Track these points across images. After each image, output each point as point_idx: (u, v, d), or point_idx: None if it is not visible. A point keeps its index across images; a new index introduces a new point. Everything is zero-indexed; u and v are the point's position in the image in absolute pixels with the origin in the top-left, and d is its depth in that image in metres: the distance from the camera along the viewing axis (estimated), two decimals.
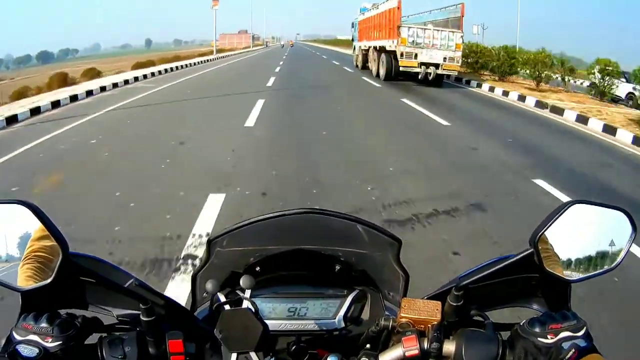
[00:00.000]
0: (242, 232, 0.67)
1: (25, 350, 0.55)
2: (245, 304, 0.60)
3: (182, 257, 2.93)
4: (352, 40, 21.58)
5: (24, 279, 0.58)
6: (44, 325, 0.58)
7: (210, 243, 0.68)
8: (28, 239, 0.59)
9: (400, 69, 13.19)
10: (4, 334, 0.59)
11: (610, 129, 8.13)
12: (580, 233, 0.64)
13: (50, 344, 0.57)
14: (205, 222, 3.43)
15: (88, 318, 0.63)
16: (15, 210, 0.57)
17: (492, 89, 13.12)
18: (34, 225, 0.57)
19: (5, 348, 0.57)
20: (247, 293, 0.60)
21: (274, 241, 0.74)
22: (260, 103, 9.16)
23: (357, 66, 19.65)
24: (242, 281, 0.60)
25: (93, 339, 0.63)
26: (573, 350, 0.57)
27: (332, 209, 0.68)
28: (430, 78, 12.97)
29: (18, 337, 0.57)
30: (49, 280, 0.56)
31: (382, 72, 14.47)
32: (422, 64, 12.85)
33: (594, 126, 8.62)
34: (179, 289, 2.53)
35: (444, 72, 13.37)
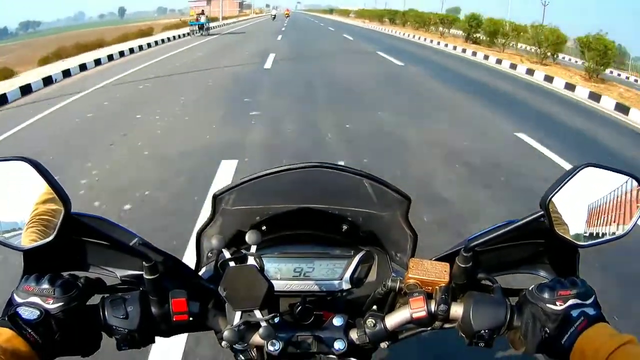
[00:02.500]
0: (247, 188, 0.65)
1: (26, 312, 0.55)
2: (251, 260, 0.59)
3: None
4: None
5: (28, 240, 0.57)
6: (45, 286, 0.57)
7: (216, 199, 0.67)
8: (33, 199, 0.57)
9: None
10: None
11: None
12: (591, 197, 0.63)
13: (51, 305, 0.56)
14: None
15: (90, 279, 0.63)
16: (17, 166, 0.56)
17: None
18: (38, 183, 0.56)
19: (5, 311, 0.56)
20: (253, 249, 0.59)
21: (281, 198, 0.73)
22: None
23: None
24: (248, 236, 0.59)
25: (95, 299, 0.63)
26: (582, 318, 0.57)
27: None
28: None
29: (19, 300, 0.57)
30: (50, 239, 0.55)
31: None
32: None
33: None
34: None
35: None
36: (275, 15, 49.38)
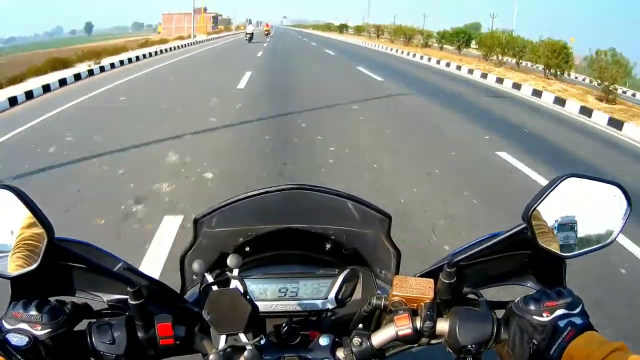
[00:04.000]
0: (229, 210, 0.66)
1: (15, 339, 0.55)
2: (234, 284, 0.59)
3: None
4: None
5: (13, 267, 0.58)
6: (33, 312, 0.57)
7: (197, 223, 0.67)
8: (16, 226, 0.58)
9: None
10: None
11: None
12: (574, 208, 0.63)
13: (39, 331, 0.57)
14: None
15: (77, 304, 0.63)
16: (0, 195, 0.56)
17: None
18: (21, 211, 0.56)
19: None
20: (235, 272, 0.59)
21: (263, 220, 0.73)
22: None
23: None
24: (230, 260, 0.59)
25: (82, 325, 0.63)
26: (570, 328, 0.56)
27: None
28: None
29: (7, 326, 0.57)
30: (34, 266, 0.55)
31: None
32: None
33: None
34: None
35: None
36: (251, 34, 29.86)
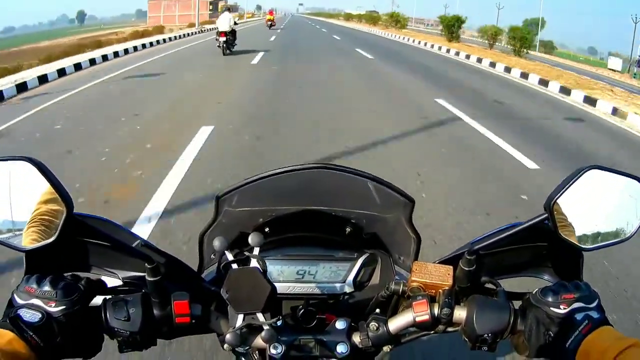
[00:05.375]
0: (250, 189, 0.65)
1: (27, 315, 0.54)
2: (253, 263, 0.58)
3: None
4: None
5: (29, 240, 0.57)
6: (47, 288, 0.57)
7: (219, 200, 0.67)
8: (35, 199, 0.57)
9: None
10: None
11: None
12: (595, 201, 0.63)
13: (53, 308, 0.56)
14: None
15: (92, 280, 0.62)
16: (21, 167, 0.56)
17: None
18: (41, 184, 0.55)
19: (6, 312, 0.55)
20: (256, 251, 0.59)
21: (284, 200, 0.72)
22: None
23: None
24: (251, 238, 0.58)
25: (97, 301, 0.63)
26: (586, 321, 0.57)
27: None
28: None
29: (20, 301, 0.56)
30: (52, 239, 0.55)
31: None
32: None
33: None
34: None
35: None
36: (228, 35, 12.92)
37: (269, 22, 29.52)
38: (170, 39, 19.49)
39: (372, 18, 46.77)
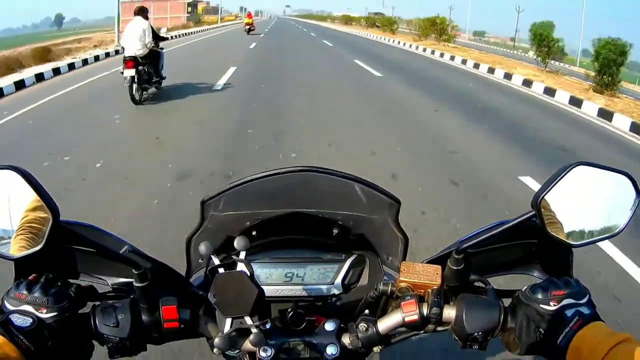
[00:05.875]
0: (236, 193, 0.65)
1: (18, 320, 0.54)
2: (240, 266, 0.58)
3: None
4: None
5: (17, 248, 0.57)
6: (37, 295, 0.57)
7: (204, 205, 0.67)
8: (21, 208, 0.57)
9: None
10: None
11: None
12: (583, 197, 0.63)
13: (44, 314, 0.56)
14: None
15: (82, 287, 0.62)
16: (6, 175, 0.55)
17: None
18: (27, 192, 0.55)
19: None
20: (242, 255, 0.59)
21: (270, 203, 0.72)
22: None
23: None
24: (237, 242, 0.58)
25: (86, 307, 0.63)
26: (577, 318, 0.56)
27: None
28: None
29: (10, 307, 0.56)
30: (39, 247, 0.55)
31: None
32: None
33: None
34: None
35: None
36: (135, 69, 6.36)
37: (247, 27, 24.14)
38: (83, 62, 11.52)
39: (389, 23, 32.02)
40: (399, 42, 22.99)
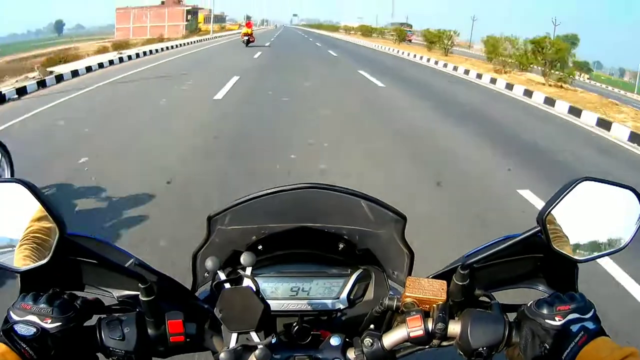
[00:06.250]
0: (242, 209, 0.65)
1: (22, 329, 0.55)
2: (246, 282, 0.59)
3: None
4: None
5: (22, 260, 0.57)
6: (43, 306, 0.57)
7: (211, 220, 0.67)
8: (26, 220, 0.57)
9: None
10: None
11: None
12: (588, 212, 0.63)
13: (49, 324, 0.56)
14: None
15: (88, 299, 0.63)
16: (12, 188, 0.56)
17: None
18: (32, 205, 0.56)
19: (1, 327, 0.56)
20: (248, 271, 0.59)
21: (276, 218, 0.73)
22: None
23: None
24: (243, 258, 0.58)
25: (92, 320, 0.63)
26: (582, 333, 0.56)
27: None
28: None
29: (15, 317, 0.57)
30: (45, 260, 0.55)
31: None
32: None
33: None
34: None
35: None
36: None
37: (246, 37, 20.80)
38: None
39: (437, 38, 22.19)
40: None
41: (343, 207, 0.70)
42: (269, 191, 0.63)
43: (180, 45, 22.46)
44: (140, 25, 42.21)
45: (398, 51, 24.16)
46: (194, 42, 25.52)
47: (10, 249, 0.58)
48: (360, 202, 0.67)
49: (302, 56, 18.42)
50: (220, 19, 68.12)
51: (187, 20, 43.34)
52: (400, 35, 31.90)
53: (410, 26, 46.47)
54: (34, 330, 0.55)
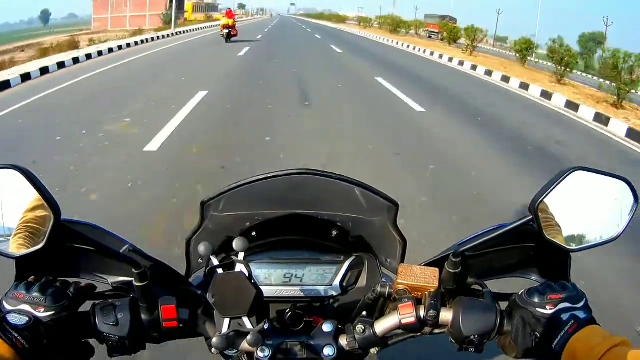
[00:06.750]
0: (236, 194, 0.66)
1: (14, 318, 0.55)
2: (239, 267, 0.59)
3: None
4: None
5: (17, 247, 0.58)
6: (36, 294, 0.57)
7: (204, 206, 0.67)
8: (22, 206, 0.58)
9: None
10: None
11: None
12: (581, 202, 0.63)
13: (42, 313, 0.57)
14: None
15: (81, 286, 0.63)
16: (7, 175, 0.56)
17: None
18: (28, 191, 0.56)
19: None
20: (241, 256, 0.59)
21: (270, 205, 0.73)
22: None
23: None
24: (235, 243, 0.59)
25: (86, 306, 0.63)
26: (572, 321, 0.57)
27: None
28: None
29: (8, 307, 0.57)
30: (40, 246, 0.55)
31: None
32: None
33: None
34: None
35: None
36: None
37: (226, 31, 16.59)
38: None
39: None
40: None
41: (337, 194, 0.71)
42: (262, 176, 0.64)
43: (142, 42, 17.05)
44: (120, 15, 37.16)
45: (459, 62, 14.63)
46: (163, 36, 20.10)
47: (7, 237, 0.58)
48: (354, 189, 0.67)
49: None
50: (212, 8, 61.52)
51: (168, 8, 33.43)
52: (451, 33, 21.49)
53: (455, 20, 33.22)
54: (27, 319, 0.55)
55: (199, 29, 27.80)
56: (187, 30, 24.31)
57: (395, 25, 30.74)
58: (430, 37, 32.59)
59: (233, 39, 17.02)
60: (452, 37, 21.38)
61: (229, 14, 17.34)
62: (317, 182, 0.67)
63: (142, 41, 17.20)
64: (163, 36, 20.17)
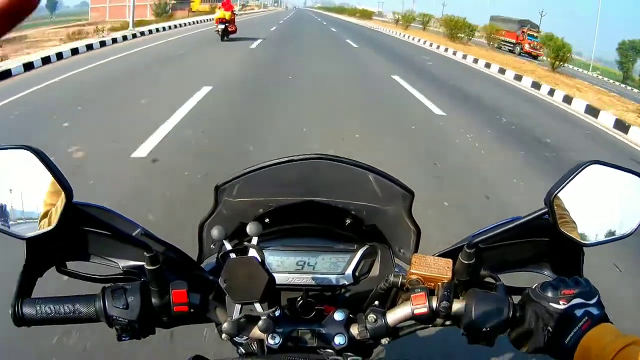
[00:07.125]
0: (250, 179, 0.65)
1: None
2: (252, 252, 0.59)
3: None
4: None
5: (27, 228, 0.57)
6: None
7: (218, 190, 0.67)
8: (34, 187, 0.57)
9: None
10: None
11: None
12: (596, 196, 0.63)
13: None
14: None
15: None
16: (21, 155, 0.56)
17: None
18: (40, 172, 0.56)
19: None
20: (254, 241, 0.59)
21: (284, 191, 0.72)
22: None
23: None
24: (249, 228, 0.58)
25: (96, 289, 0.63)
26: (586, 318, 0.56)
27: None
28: None
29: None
30: (51, 227, 0.55)
31: None
32: None
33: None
34: None
35: None
36: None
37: (222, 26, 13.08)
38: None
39: None
40: None
41: (351, 181, 0.70)
42: (276, 161, 0.63)
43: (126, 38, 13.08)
44: (119, 4, 32.24)
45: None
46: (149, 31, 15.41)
47: (19, 218, 0.58)
48: (369, 175, 0.66)
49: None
50: None
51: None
52: (562, 55, 13.81)
53: (537, 28, 27.24)
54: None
55: (194, 22, 21.51)
56: (175, 26, 18.57)
57: (456, 29, 20.86)
58: (500, 47, 24.71)
59: (231, 36, 13.32)
60: (560, 57, 13.48)
61: (227, 4, 13.32)
62: (332, 168, 0.66)
63: (123, 37, 12.60)
64: (124, 37, 13.20)
